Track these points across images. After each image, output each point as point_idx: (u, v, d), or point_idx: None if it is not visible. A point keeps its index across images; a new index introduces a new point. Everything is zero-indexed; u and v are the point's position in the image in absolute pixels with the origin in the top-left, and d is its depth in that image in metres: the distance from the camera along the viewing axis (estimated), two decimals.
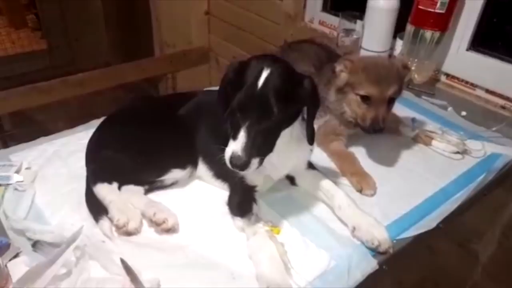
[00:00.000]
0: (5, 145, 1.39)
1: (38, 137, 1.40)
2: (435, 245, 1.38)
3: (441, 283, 1.58)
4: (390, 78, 1.27)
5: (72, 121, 1.48)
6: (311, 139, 1.06)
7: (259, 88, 0.89)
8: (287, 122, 0.99)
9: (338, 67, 1.32)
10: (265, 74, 0.90)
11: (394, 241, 1.05)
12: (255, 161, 0.90)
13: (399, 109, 1.51)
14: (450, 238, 1.42)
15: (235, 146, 0.89)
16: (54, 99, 2.48)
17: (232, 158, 0.89)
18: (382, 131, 1.29)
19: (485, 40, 1.65)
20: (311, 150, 1.17)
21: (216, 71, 2.91)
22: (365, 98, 1.28)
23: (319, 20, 2.17)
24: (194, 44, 2.86)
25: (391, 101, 1.30)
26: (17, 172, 1.19)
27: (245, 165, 0.89)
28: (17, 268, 0.90)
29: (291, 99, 0.93)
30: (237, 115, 0.91)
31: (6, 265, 0.90)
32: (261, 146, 0.91)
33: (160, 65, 2.87)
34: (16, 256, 0.95)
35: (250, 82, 0.90)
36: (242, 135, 0.89)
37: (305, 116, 1.05)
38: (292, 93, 0.94)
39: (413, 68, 1.66)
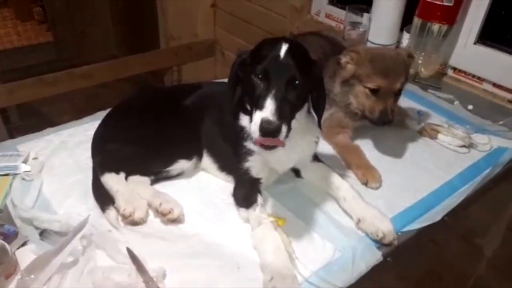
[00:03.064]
0: (12, 137, 1.39)
1: (44, 128, 1.40)
2: (439, 239, 1.38)
3: (445, 277, 1.58)
4: (398, 70, 1.27)
5: (78, 114, 1.49)
6: (319, 124, 1.07)
7: (282, 57, 0.91)
8: (301, 102, 1.00)
9: (344, 59, 1.31)
10: (285, 47, 0.92)
11: (399, 234, 1.05)
12: (284, 129, 0.88)
13: (405, 103, 1.51)
14: (454, 231, 1.41)
15: (264, 113, 0.87)
16: (60, 91, 2.49)
17: (262, 123, 0.86)
18: (391, 123, 1.29)
19: (493, 34, 1.64)
20: (317, 143, 1.17)
21: (221, 64, 2.90)
22: (373, 91, 1.28)
23: (325, 13, 2.17)
24: (200, 37, 2.86)
25: (398, 93, 1.30)
26: (25, 162, 1.20)
27: (277, 130, 0.87)
28: (25, 256, 0.91)
29: (308, 75, 0.95)
30: (260, 86, 0.92)
31: (14, 253, 0.91)
32: (288, 115, 0.90)
33: (165, 58, 2.86)
34: (24, 244, 0.96)
35: (272, 54, 0.92)
36: (269, 102, 0.88)
37: (311, 109, 1.07)
38: (309, 69, 0.96)
39: (419, 61, 1.65)
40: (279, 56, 0.91)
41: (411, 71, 1.41)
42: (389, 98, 1.28)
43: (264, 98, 0.89)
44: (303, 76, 0.92)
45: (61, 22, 3.59)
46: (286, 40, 0.94)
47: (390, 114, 1.27)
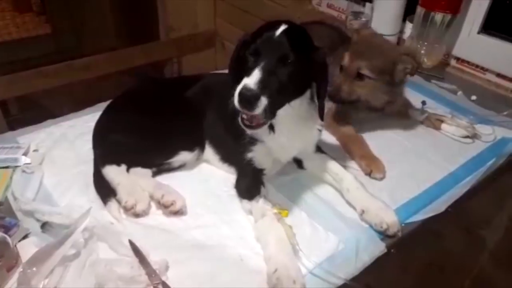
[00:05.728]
0: (12, 129, 1.38)
1: (44, 120, 1.39)
2: (442, 230, 1.37)
3: (447, 268, 1.58)
4: (367, 54, 1.26)
5: (78, 106, 1.47)
6: (321, 115, 1.05)
7: (276, 36, 0.91)
8: (298, 89, 0.99)
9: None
10: (282, 27, 0.92)
11: (403, 225, 1.05)
12: (264, 100, 0.86)
13: (409, 93, 1.49)
14: (458, 223, 1.40)
15: (247, 80, 0.86)
16: (59, 83, 2.47)
17: (242, 89, 0.85)
18: (340, 102, 1.32)
19: (497, 23, 1.62)
20: (320, 131, 1.16)
21: (222, 55, 2.88)
22: (341, 67, 1.30)
23: (327, 2, 2.14)
24: (200, 28, 2.84)
25: (359, 77, 1.28)
26: (25, 154, 1.19)
27: (254, 98, 0.84)
28: (27, 249, 0.90)
29: (305, 58, 0.94)
30: (251, 60, 0.91)
31: (15, 246, 0.91)
32: (273, 92, 0.88)
33: (165, 49, 2.84)
34: (25, 237, 0.95)
35: (268, 33, 0.92)
36: (255, 72, 0.87)
37: (315, 97, 1.05)
38: (307, 52, 0.95)
39: (422, 51, 1.63)
40: (274, 34, 0.91)
41: None
42: (348, 77, 1.28)
43: (252, 69, 0.88)
44: (298, 56, 0.91)
45: (59, 14, 3.55)
46: (287, 22, 0.94)
47: (342, 93, 1.28)
